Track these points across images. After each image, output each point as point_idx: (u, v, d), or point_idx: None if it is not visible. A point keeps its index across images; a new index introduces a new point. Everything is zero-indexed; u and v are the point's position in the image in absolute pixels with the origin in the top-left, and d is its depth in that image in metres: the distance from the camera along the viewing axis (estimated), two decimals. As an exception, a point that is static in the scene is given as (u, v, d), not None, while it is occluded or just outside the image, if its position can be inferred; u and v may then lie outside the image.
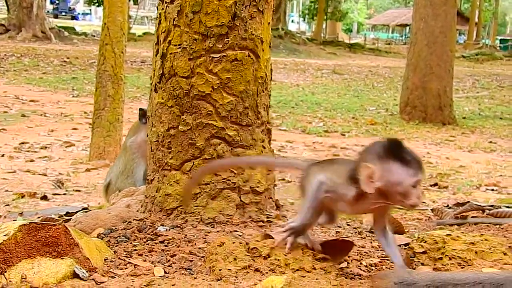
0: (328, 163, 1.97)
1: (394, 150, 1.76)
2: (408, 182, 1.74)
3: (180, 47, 2.53)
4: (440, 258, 1.99)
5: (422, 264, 2.01)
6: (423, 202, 4.35)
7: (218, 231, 2.25)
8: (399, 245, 2.28)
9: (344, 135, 10.13)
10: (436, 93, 11.85)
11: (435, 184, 6.52)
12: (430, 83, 11.85)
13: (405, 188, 1.73)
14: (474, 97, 15.82)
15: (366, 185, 1.76)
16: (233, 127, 2.52)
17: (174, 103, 2.53)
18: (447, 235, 2.07)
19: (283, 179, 6.58)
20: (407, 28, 43.22)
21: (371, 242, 2.32)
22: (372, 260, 2.05)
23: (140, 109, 3.68)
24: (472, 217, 3.55)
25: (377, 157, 1.76)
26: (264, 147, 2.61)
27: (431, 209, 3.69)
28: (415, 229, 3.06)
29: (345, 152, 8.46)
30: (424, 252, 2.06)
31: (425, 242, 2.07)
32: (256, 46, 2.58)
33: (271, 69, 2.76)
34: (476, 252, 1.99)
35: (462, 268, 1.95)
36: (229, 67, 2.52)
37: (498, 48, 40.06)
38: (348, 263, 2.00)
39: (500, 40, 45.21)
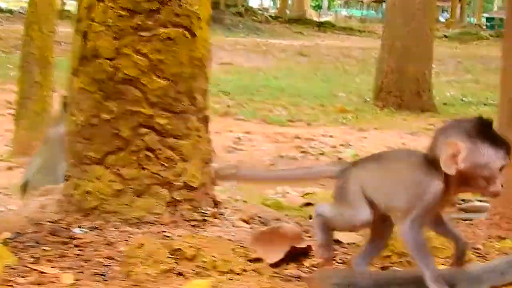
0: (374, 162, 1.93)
1: (483, 129, 1.79)
2: (496, 165, 1.77)
3: (104, 25, 2.54)
4: (389, 256, 2.06)
5: (369, 263, 2.07)
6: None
7: (144, 233, 2.28)
8: (349, 243, 2.35)
9: (310, 124, 10.22)
10: (414, 77, 12.01)
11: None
12: (407, 66, 12.01)
13: (492, 172, 1.77)
14: (456, 81, 16.12)
15: (448, 165, 1.76)
16: (164, 114, 2.54)
17: (97, 88, 2.53)
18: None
19: (239, 175, 6.63)
20: (383, 4, 43.69)
21: (317, 241, 2.38)
22: (315, 260, 2.11)
23: (63, 97, 3.66)
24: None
25: (464, 134, 1.78)
26: (200, 137, 2.64)
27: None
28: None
29: (311, 144, 8.56)
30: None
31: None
32: (192, 23, 2.60)
33: (210, 50, 2.78)
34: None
35: (411, 266, 2.02)
36: (161, 47, 2.54)
37: (484, 27, 40.75)
38: (287, 264, 2.05)
39: (487, 18, 45.96)
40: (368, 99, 12.51)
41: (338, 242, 2.39)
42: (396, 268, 1.99)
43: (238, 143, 8.36)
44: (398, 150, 1.97)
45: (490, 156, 1.77)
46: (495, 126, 1.84)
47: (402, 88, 11.96)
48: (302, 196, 4.36)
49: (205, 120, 2.70)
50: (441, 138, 1.82)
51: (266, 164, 7.27)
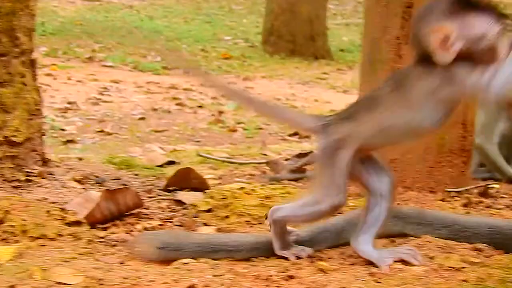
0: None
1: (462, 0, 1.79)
2: (493, 31, 1.78)
3: None
4: (227, 217, 2.15)
5: (206, 224, 2.16)
6: (264, 154, 4.57)
7: (-50, 196, 2.24)
8: (191, 204, 2.41)
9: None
10: (307, 18, 12.18)
11: (295, 134, 6.85)
12: (300, 6, 12.15)
13: (491, 41, 1.78)
14: (355, 24, 16.49)
15: (442, 54, 1.76)
16: (-22, 57, 2.48)
17: None
18: (241, 188, 2.24)
19: (102, 131, 6.58)
20: None
21: (158, 202, 2.44)
22: (150, 223, 2.17)
23: None
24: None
25: (445, 13, 1.78)
26: (25, 84, 2.60)
27: (266, 162, 3.89)
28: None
29: (189, 95, 8.59)
30: (209, 210, 2.21)
31: (212, 198, 2.23)
32: None
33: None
34: (271, 208, 2.17)
35: (250, 227, 2.13)
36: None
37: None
38: (116, 226, 2.10)
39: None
40: (257, 44, 12.63)
41: (180, 202, 2.46)
42: (228, 234, 2.07)
43: (105, 94, 8.27)
44: (387, 81, 1.89)
45: (483, 24, 1.79)
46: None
47: (294, 32, 12.12)
48: (168, 154, 4.40)
49: (32, 65, 2.66)
50: (422, 29, 1.81)
51: (136, 118, 7.25)
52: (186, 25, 14.31)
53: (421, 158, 2.76)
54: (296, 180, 3.39)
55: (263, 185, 2.36)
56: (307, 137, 6.80)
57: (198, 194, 2.48)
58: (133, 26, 13.45)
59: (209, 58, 11.41)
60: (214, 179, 3.36)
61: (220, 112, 7.69)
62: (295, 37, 12.14)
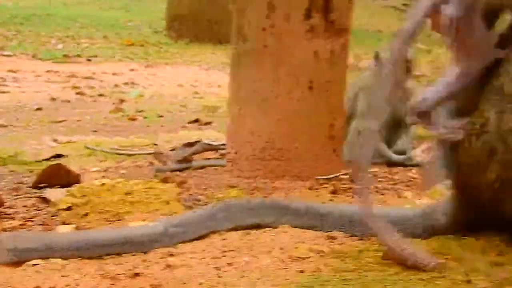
0: None
1: None
2: None
3: None
4: (86, 214, 2.16)
5: (64, 223, 2.16)
6: (155, 144, 4.56)
7: None
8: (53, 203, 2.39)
9: (90, 60, 10.12)
10: (211, 3, 12.18)
11: (196, 121, 6.87)
12: (204, -9, 12.14)
13: None
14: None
15: None
16: None
17: None
18: (102, 185, 2.24)
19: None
20: None
21: (24, 200, 2.43)
22: (11, 223, 2.15)
23: None
24: (207, 159, 3.83)
25: None
26: None
27: (153, 153, 3.89)
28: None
29: (90, 83, 8.48)
30: (69, 208, 2.21)
31: (73, 195, 2.23)
32: None
33: None
34: (132, 203, 2.20)
35: (109, 223, 2.14)
36: None
37: None
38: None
39: None
40: (161, 29, 12.55)
41: (46, 200, 2.44)
42: (80, 231, 2.07)
43: (1, 84, 8.09)
44: None
45: None
46: None
47: (198, 17, 12.09)
48: (59, 147, 4.33)
49: None
50: None
51: (33, 109, 7.11)
52: (90, 11, 14.09)
53: (290, 146, 2.81)
54: (181, 170, 3.41)
55: (126, 181, 2.37)
56: (208, 123, 6.82)
57: (65, 191, 2.47)
58: (31, 13, 13.17)
59: (111, 45, 11.29)
60: (100, 171, 3.33)
61: (122, 101, 7.61)
62: (199, 22, 12.11)
